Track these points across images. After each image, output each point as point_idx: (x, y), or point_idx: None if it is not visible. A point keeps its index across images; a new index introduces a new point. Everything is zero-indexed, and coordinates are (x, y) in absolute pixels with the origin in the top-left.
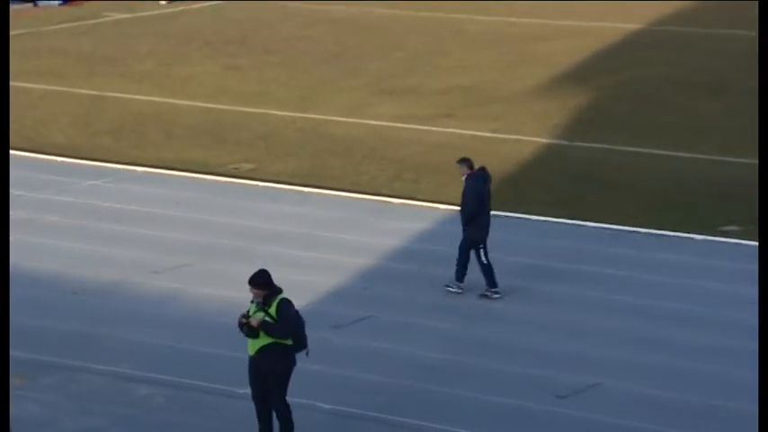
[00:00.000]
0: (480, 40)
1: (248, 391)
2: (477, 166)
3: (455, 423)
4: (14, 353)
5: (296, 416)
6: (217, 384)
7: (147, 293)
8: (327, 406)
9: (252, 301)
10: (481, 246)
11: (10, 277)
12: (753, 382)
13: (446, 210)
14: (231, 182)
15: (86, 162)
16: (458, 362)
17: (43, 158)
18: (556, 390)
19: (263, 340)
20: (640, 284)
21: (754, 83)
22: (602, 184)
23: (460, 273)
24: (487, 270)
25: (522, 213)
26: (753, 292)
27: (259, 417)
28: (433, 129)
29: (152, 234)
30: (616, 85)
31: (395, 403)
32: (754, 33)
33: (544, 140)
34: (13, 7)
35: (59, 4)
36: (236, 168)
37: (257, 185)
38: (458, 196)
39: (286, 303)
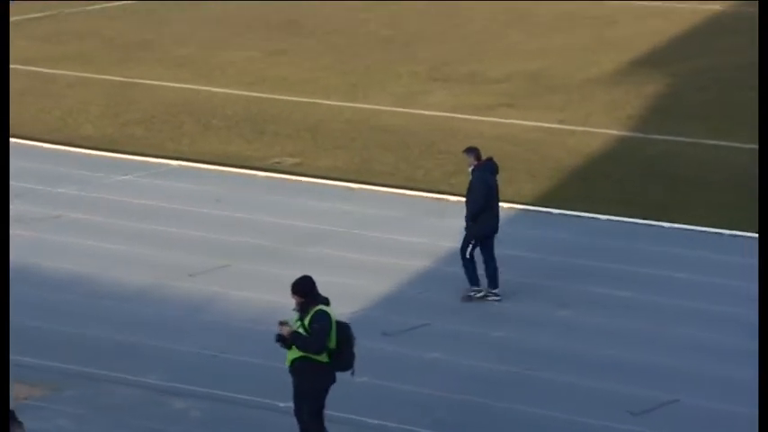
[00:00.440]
0: (545, 23)
1: (289, 404)
2: (488, 158)
3: None
4: (39, 361)
5: None
6: (257, 397)
7: (182, 298)
8: (374, 421)
9: (293, 309)
10: (474, 242)
11: (33, 279)
12: None
13: (509, 208)
14: (273, 177)
15: (117, 155)
16: (521, 374)
17: (71, 151)
18: (629, 405)
19: (296, 353)
20: (714, 289)
21: None
22: (677, 180)
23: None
24: (469, 266)
25: (590, 212)
26: None
27: None
28: (493, 119)
29: (187, 233)
30: (693, 72)
31: (452, 419)
32: None
33: (615, 132)
34: None
35: None
36: (278, 163)
37: (302, 181)
38: (523, 193)
39: (319, 315)
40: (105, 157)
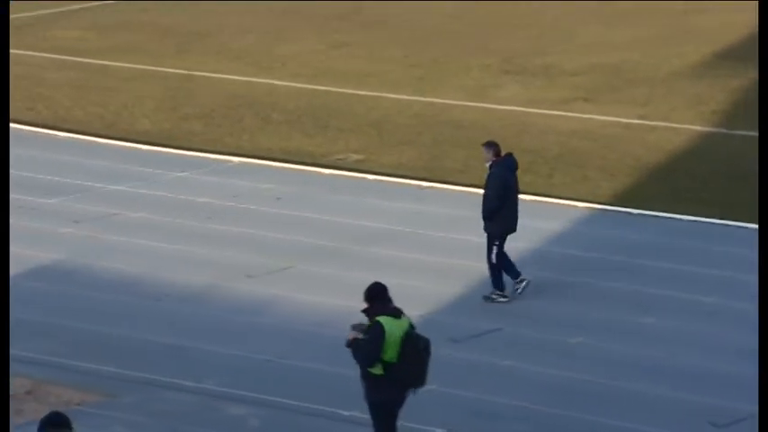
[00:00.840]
0: (624, 12)
1: (354, 413)
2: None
3: None
4: (93, 366)
5: None
6: (319, 405)
7: (241, 300)
8: None
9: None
10: (498, 243)
11: (86, 280)
12: None
13: (585, 208)
14: (337, 174)
15: (174, 151)
16: (601, 384)
17: (126, 146)
18: (711, 416)
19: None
20: None
21: None
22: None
23: (511, 271)
24: (495, 268)
25: (670, 212)
26: None
27: None
28: (569, 114)
29: (247, 233)
30: None
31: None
32: None
33: (698, 128)
34: None
35: None
36: (341, 159)
37: (366, 179)
38: (599, 192)
39: (372, 327)
40: (162, 153)
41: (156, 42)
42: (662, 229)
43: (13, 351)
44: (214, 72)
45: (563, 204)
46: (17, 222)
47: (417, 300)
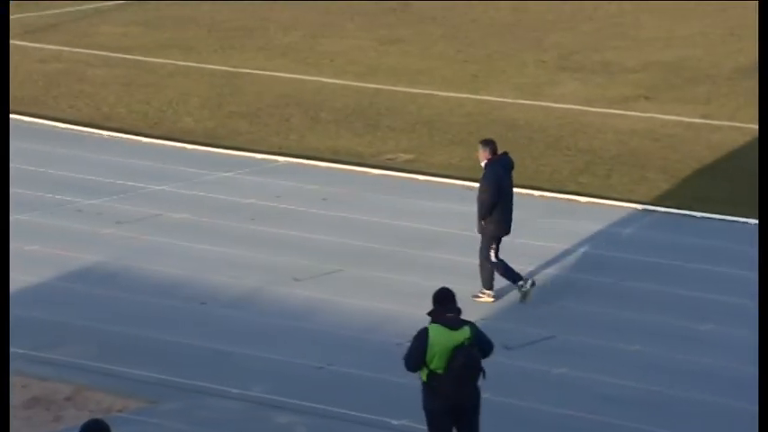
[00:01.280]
0: (687, 8)
1: (404, 422)
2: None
3: None
4: (135, 371)
5: None
6: (368, 414)
7: (288, 304)
8: None
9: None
10: (495, 245)
11: (128, 283)
12: None
13: (643, 210)
14: (386, 175)
15: (219, 150)
16: (660, 393)
17: (170, 145)
18: None
19: None
20: None
21: None
22: None
23: (510, 275)
24: (500, 267)
25: (736, 215)
26: None
27: None
28: (629, 113)
29: (294, 235)
30: None
31: None
32: None
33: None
34: None
35: None
36: (391, 159)
37: (417, 179)
38: (659, 194)
39: (418, 333)
40: (207, 152)
41: (200, 38)
42: (725, 233)
43: (51, 356)
44: (260, 69)
45: (620, 206)
46: (57, 223)
47: (469, 304)
